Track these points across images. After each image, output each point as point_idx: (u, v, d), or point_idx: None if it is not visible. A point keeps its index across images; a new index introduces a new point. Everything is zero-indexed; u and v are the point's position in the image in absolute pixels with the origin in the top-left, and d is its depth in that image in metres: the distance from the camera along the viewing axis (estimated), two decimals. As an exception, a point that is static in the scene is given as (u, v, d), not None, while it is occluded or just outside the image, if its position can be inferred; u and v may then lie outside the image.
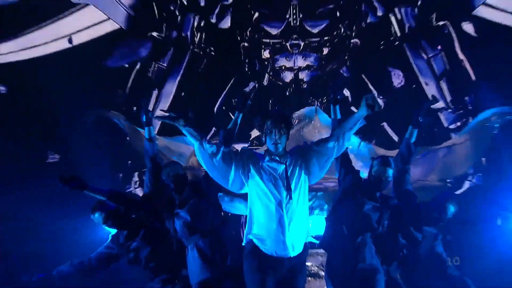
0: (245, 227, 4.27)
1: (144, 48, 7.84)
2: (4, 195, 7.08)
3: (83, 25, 7.68)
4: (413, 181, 5.75)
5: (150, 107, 7.94)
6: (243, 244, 4.10)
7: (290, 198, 3.91)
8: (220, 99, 8.20)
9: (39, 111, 7.47)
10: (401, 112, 7.88)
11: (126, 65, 8.00)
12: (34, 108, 7.50)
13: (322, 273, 5.63)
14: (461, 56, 7.74)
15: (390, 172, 4.53)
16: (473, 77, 7.69)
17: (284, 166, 3.94)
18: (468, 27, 7.61)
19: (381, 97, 8.08)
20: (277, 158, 3.95)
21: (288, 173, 3.95)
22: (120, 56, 7.77)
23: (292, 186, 3.93)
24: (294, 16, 7.68)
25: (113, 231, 5.46)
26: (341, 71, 8.02)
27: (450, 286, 5.01)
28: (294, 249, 3.95)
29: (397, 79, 7.93)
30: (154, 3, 7.86)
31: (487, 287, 7.13)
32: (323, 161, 3.98)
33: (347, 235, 4.39)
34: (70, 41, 7.61)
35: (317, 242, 4.96)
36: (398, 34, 7.92)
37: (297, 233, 3.98)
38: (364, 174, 4.83)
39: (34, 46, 7.59)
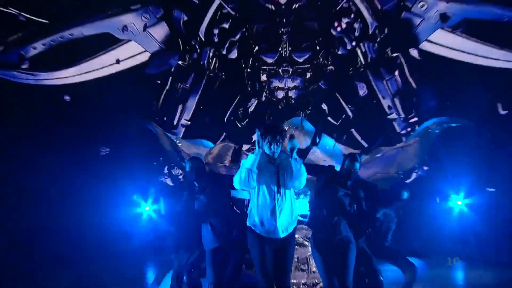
0: (247, 208, 4.28)
1: (173, 59, 7.67)
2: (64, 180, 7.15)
3: (127, 55, 7.59)
4: (376, 174, 5.65)
5: (176, 118, 7.85)
6: (248, 224, 4.09)
7: (279, 192, 3.91)
8: (229, 111, 8.11)
9: (94, 114, 7.48)
10: (365, 121, 7.87)
11: (159, 82, 7.91)
12: (89, 112, 7.50)
13: (306, 243, 5.50)
14: (410, 79, 7.66)
15: (358, 165, 4.46)
16: (419, 94, 7.60)
17: (276, 168, 3.94)
18: (414, 53, 7.49)
19: (349, 106, 7.97)
20: (272, 161, 3.96)
21: (279, 174, 3.94)
22: (155, 65, 7.63)
23: (281, 183, 3.93)
24: (285, 49, 7.61)
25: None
26: (320, 84, 7.90)
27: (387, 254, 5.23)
28: (283, 231, 3.96)
29: (361, 90, 7.82)
30: (179, 39, 7.73)
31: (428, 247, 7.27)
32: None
33: (327, 215, 4.29)
34: (118, 61, 7.48)
35: (303, 219, 4.83)
36: (363, 63, 7.80)
37: (286, 219, 3.97)
38: (337, 168, 4.69)
39: (92, 71, 7.50)
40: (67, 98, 7.46)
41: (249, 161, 3.85)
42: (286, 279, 4.06)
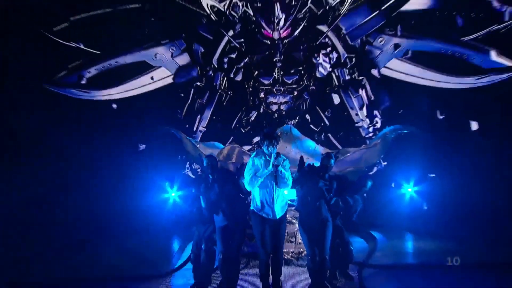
0: (250, 196, 4.30)
1: (194, 71, 7.61)
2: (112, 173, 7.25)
3: (158, 78, 7.58)
4: (347, 168, 5.61)
5: (195, 125, 7.76)
6: (251, 208, 4.19)
7: (277, 184, 4.04)
8: (235, 120, 8.00)
9: (133, 118, 7.48)
10: (338, 128, 7.83)
11: (182, 95, 7.82)
12: (130, 120, 7.50)
13: (294, 221, 5.49)
14: (372, 96, 7.59)
15: (332, 161, 4.46)
16: (379, 108, 7.54)
17: (274, 166, 4.04)
18: (375, 73, 7.47)
19: (326, 113, 7.87)
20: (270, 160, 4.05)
21: (275, 171, 4.03)
22: (181, 75, 7.59)
23: (277, 178, 4.03)
24: (278, 73, 7.56)
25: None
26: (304, 99, 7.76)
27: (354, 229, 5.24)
28: (278, 213, 4.08)
29: (335, 99, 7.68)
30: (198, 66, 7.69)
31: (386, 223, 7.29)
32: None
33: (310, 202, 4.29)
34: (152, 78, 7.52)
35: (292, 203, 4.79)
36: (337, 84, 7.73)
37: (280, 204, 4.09)
38: (317, 164, 4.64)
39: (132, 89, 7.51)
40: (114, 106, 7.51)
41: (261, 172, 4.00)
42: (280, 249, 4.17)
